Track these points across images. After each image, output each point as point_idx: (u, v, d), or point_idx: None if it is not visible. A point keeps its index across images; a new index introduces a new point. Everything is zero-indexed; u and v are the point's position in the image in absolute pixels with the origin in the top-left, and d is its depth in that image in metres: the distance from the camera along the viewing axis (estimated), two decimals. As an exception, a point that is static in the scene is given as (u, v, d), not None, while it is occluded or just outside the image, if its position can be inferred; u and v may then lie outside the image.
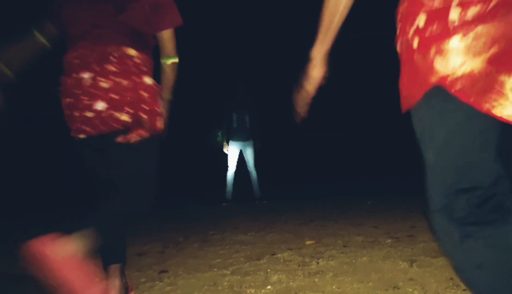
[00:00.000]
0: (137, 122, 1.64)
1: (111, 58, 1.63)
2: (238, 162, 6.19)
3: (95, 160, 1.71)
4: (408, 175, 8.59)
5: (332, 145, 10.31)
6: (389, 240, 2.83)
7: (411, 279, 1.97)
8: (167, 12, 1.76)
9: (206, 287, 2.08)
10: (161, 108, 1.76)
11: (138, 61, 1.67)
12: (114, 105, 1.60)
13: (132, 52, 1.66)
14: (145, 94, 1.66)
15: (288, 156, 10.51)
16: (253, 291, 1.97)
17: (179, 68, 1.98)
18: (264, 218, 4.28)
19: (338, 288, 1.92)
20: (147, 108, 1.66)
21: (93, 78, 1.61)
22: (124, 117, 1.61)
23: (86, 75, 1.61)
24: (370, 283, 1.95)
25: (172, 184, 9.19)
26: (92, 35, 1.65)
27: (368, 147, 10.48)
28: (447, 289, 1.80)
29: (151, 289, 2.13)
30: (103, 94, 1.60)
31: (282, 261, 2.49)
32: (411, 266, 2.18)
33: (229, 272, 2.32)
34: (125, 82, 1.62)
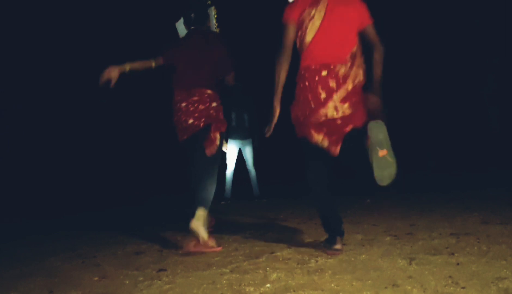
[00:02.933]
0: (209, 126, 2.88)
1: (195, 92, 2.90)
2: (237, 160, 6.19)
3: (192, 149, 2.95)
4: (407, 172, 8.59)
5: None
6: (388, 238, 2.83)
7: (410, 277, 1.97)
8: (228, 63, 3.04)
9: (205, 285, 2.08)
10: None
11: (210, 93, 2.92)
12: (197, 118, 2.88)
13: (207, 90, 2.92)
14: (212, 111, 2.90)
15: (287, 154, 10.49)
16: (252, 289, 1.97)
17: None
18: (263, 216, 4.28)
19: (337, 286, 1.92)
20: (214, 117, 2.90)
21: (186, 106, 2.90)
22: (202, 124, 2.87)
23: (183, 104, 2.91)
24: (369, 281, 1.94)
25: (171, 182, 9.17)
26: (187, 79, 2.93)
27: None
28: (446, 287, 1.80)
29: (150, 287, 2.12)
30: (191, 114, 2.88)
31: (281, 259, 2.49)
32: (410, 264, 2.17)
33: (228, 271, 2.31)
34: (202, 106, 2.88)
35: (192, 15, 3.00)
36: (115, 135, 9.57)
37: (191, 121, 2.86)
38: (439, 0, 8.86)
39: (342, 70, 2.28)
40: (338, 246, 2.49)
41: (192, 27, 3.02)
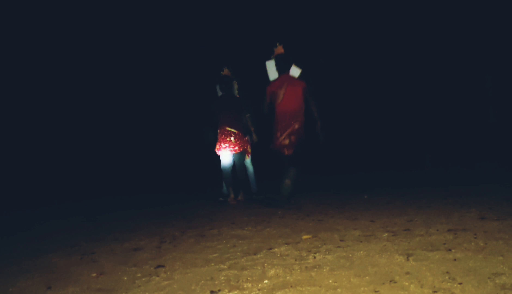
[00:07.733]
0: (244, 147, 5.51)
1: (233, 131, 5.41)
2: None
3: (229, 159, 5.49)
4: (405, 169, 8.61)
5: (328, 139, 10.31)
6: (386, 234, 2.83)
7: (407, 272, 1.98)
8: (244, 111, 5.58)
9: (203, 281, 2.08)
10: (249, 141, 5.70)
11: (240, 130, 5.46)
12: (236, 145, 5.41)
13: (237, 128, 5.45)
14: (245, 141, 5.51)
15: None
16: (250, 285, 1.97)
17: (177, 67, 2.74)
18: (261, 212, 4.28)
19: (335, 282, 1.92)
20: (246, 143, 5.55)
21: (234, 137, 5.41)
22: (240, 148, 5.44)
23: (232, 138, 5.41)
24: (367, 277, 1.95)
25: (170, 180, 9.18)
26: (225, 122, 5.43)
27: (365, 141, 10.50)
28: (443, 283, 1.81)
29: (148, 283, 2.13)
30: (233, 141, 5.40)
31: (279, 255, 2.49)
32: (408, 260, 2.18)
33: (226, 267, 2.32)
34: (236, 138, 5.42)
35: (224, 86, 5.55)
36: (116, 134, 9.57)
37: (236, 147, 5.36)
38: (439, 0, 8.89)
39: (294, 117, 4.66)
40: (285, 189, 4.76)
41: (224, 92, 5.57)
